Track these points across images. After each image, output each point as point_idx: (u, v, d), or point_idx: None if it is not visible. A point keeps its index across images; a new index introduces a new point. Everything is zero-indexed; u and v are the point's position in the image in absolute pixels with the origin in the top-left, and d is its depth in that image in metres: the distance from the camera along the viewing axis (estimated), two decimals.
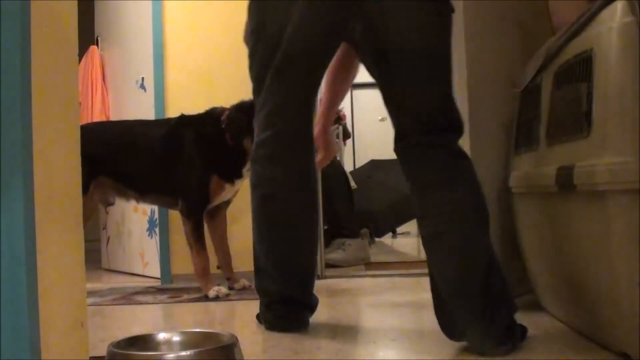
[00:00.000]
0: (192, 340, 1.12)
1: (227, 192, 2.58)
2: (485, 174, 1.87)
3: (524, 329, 1.50)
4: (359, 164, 6.42)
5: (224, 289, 2.45)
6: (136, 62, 3.36)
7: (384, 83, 1.59)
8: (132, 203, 2.93)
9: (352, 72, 1.96)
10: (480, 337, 1.41)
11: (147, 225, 3.24)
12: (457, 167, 1.51)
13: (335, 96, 1.98)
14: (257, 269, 1.77)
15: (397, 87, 1.55)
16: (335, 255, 3.38)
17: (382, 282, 2.78)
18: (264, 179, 1.70)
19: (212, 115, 2.57)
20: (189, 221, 2.52)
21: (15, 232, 0.78)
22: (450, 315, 1.47)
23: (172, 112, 2.93)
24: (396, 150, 1.57)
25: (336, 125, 4.10)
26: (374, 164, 4.95)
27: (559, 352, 1.42)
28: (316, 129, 1.94)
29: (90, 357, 0.97)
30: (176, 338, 1.14)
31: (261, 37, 1.65)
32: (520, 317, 1.52)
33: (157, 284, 3.00)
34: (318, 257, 2.78)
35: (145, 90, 3.26)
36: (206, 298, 2.42)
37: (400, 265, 3.30)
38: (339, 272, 3.13)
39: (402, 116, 1.56)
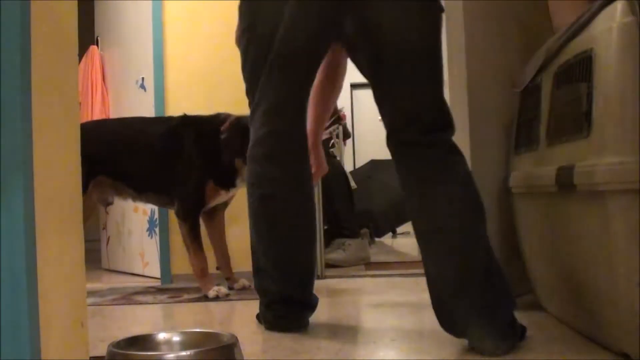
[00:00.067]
0: (192, 340, 1.12)
1: (222, 197, 2.59)
2: (485, 174, 1.87)
3: (523, 329, 1.50)
4: (359, 164, 6.42)
5: (223, 289, 2.45)
6: (136, 62, 3.36)
7: (377, 82, 1.59)
8: (132, 203, 2.93)
9: (337, 87, 1.98)
10: (481, 336, 1.41)
11: (147, 225, 3.24)
12: (452, 163, 1.52)
13: (323, 112, 1.98)
14: (257, 269, 1.77)
15: (390, 86, 1.55)
16: (335, 255, 3.38)
17: (382, 282, 2.78)
18: (262, 179, 1.70)
19: (215, 121, 2.56)
20: (185, 223, 2.52)
21: (15, 232, 0.78)
22: (450, 315, 1.47)
23: (172, 112, 2.94)
24: (390, 147, 1.57)
25: (336, 125, 4.10)
26: (374, 164, 4.95)
27: (559, 352, 1.42)
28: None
29: (90, 357, 0.97)
30: (176, 338, 1.14)
31: (253, 37, 1.66)
32: (520, 317, 1.51)
33: (157, 284, 3.00)
34: (318, 257, 2.79)
35: (145, 90, 3.26)
36: (206, 298, 2.42)
37: (400, 265, 3.30)
38: (339, 272, 3.13)
39: (395, 114, 1.56)
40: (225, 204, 2.70)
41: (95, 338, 1.64)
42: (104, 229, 3.75)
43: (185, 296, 2.50)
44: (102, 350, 1.09)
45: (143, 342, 1.12)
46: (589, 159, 1.28)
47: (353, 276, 2.99)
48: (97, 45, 3.75)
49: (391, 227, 5.05)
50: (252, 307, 1.93)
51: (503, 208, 1.89)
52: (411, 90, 1.54)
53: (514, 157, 1.86)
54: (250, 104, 1.73)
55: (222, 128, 2.49)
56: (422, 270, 1.55)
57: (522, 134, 1.80)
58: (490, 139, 1.94)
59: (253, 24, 1.66)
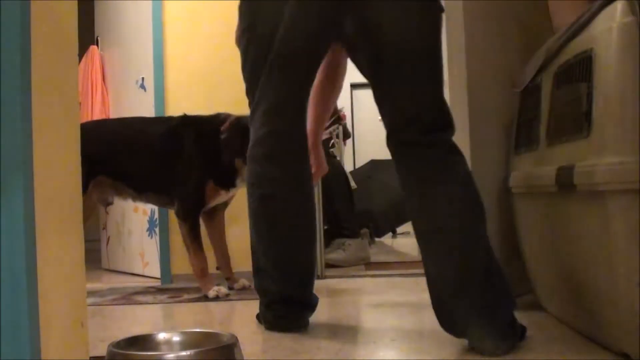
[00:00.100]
0: (192, 340, 1.12)
1: (222, 197, 2.59)
2: (485, 174, 1.87)
3: (523, 329, 1.50)
4: (359, 164, 6.42)
5: (223, 289, 2.45)
6: (136, 62, 3.36)
7: (377, 82, 1.59)
8: (132, 203, 2.93)
9: (337, 87, 1.98)
10: (481, 336, 1.41)
11: (147, 225, 3.24)
12: (452, 163, 1.52)
13: (323, 112, 1.98)
14: (257, 269, 1.77)
15: (390, 86, 1.55)
16: (335, 255, 3.38)
17: (382, 282, 2.78)
18: (262, 179, 1.70)
19: (215, 121, 2.56)
20: (185, 223, 2.52)
21: (15, 232, 0.78)
22: (450, 315, 1.48)
23: (172, 112, 2.94)
24: (390, 147, 1.58)
25: (336, 125, 4.10)
26: (374, 164, 4.95)
27: (559, 352, 1.42)
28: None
29: (90, 357, 0.97)
30: (176, 338, 1.14)
31: (252, 37, 1.66)
32: (520, 317, 1.51)
33: (157, 284, 3.00)
34: (318, 257, 2.79)
35: (145, 90, 3.26)
36: (206, 298, 2.42)
37: (400, 265, 3.30)
38: (339, 272, 3.13)
39: (395, 114, 1.56)
40: (225, 204, 2.70)
41: (95, 338, 1.64)
42: (104, 229, 3.75)
43: (185, 296, 2.50)
44: (102, 350, 1.09)
45: (143, 342, 1.12)
46: (589, 159, 1.28)
47: (353, 276, 2.99)
48: (97, 45, 3.75)
49: (391, 227, 5.05)
50: (252, 307, 1.93)
51: (503, 208, 1.89)
52: (411, 90, 1.54)
53: (514, 157, 1.86)
54: (250, 104, 1.73)
55: (222, 128, 2.49)
56: (422, 270, 1.55)
57: (522, 134, 1.80)
58: (490, 139, 1.94)
59: (253, 24, 1.66)
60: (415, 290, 2.41)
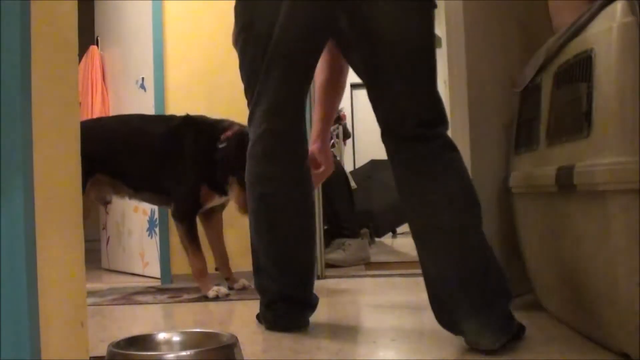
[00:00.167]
0: (192, 340, 1.12)
1: (218, 200, 2.58)
2: (485, 174, 1.87)
3: (521, 327, 1.50)
4: (359, 164, 6.42)
5: (223, 289, 2.45)
6: (136, 62, 3.36)
7: (372, 79, 1.59)
8: (132, 203, 2.93)
9: (341, 85, 1.99)
10: (477, 331, 1.41)
11: (147, 225, 3.24)
12: (449, 159, 1.52)
13: (329, 111, 1.99)
14: (257, 268, 1.77)
15: (385, 82, 1.55)
16: (335, 255, 3.38)
17: (382, 282, 2.78)
18: (262, 178, 1.70)
19: (218, 126, 2.54)
20: (181, 224, 2.51)
21: (15, 232, 0.78)
22: (448, 312, 1.48)
23: (172, 112, 2.93)
24: (386, 143, 1.58)
25: (336, 125, 4.11)
26: (374, 164, 4.95)
27: (559, 352, 1.42)
28: (314, 145, 1.96)
29: (90, 357, 0.97)
30: (176, 338, 1.14)
31: (249, 37, 1.66)
32: (520, 317, 1.52)
33: (157, 284, 3.00)
34: (318, 257, 2.79)
35: (145, 90, 3.26)
36: (206, 298, 2.41)
37: (400, 265, 3.30)
38: (339, 272, 3.13)
39: (390, 111, 1.57)
40: (222, 205, 2.69)
41: (95, 338, 1.64)
42: (104, 229, 3.75)
43: (185, 296, 2.50)
44: (102, 350, 1.09)
45: (143, 342, 1.12)
46: (589, 159, 1.28)
47: (353, 276, 2.99)
48: (97, 45, 3.75)
49: (391, 227, 5.05)
50: (252, 307, 1.93)
51: (503, 208, 1.89)
52: (406, 85, 1.54)
53: (514, 157, 1.86)
54: (248, 104, 1.73)
55: (223, 136, 2.48)
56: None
57: (522, 134, 1.80)
58: (490, 139, 1.94)
59: (249, 23, 1.66)
60: (415, 290, 2.41)
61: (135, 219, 3.34)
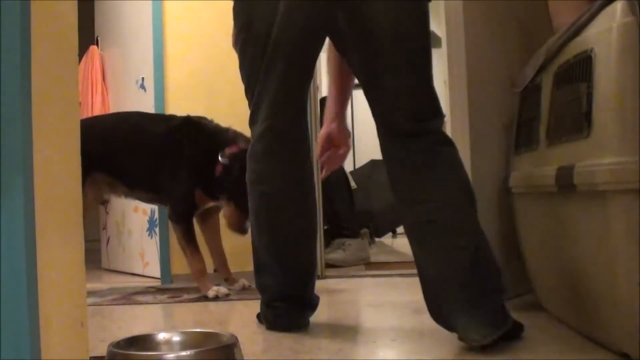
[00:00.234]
0: (192, 340, 1.12)
1: (213, 202, 2.58)
2: (485, 174, 1.87)
3: (519, 326, 1.50)
4: (359, 164, 6.42)
5: (223, 289, 2.45)
6: (136, 62, 3.36)
7: (368, 74, 1.60)
8: (132, 203, 2.93)
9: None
10: (468, 326, 1.41)
11: (147, 225, 3.24)
12: (444, 153, 1.53)
13: (345, 90, 1.96)
14: (258, 267, 1.77)
15: (382, 77, 1.56)
16: (335, 255, 3.38)
17: (382, 282, 2.78)
18: (262, 176, 1.71)
19: (221, 135, 2.52)
20: (179, 226, 2.51)
21: (15, 232, 0.78)
22: (440, 309, 1.50)
23: (172, 112, 2.93)
24: (381, 138, 1.59)
25: None
26: (374, 164, 4.94)
27: (559, 352, 1.42)
28: (332, 125, 1.92)
29: (90, 357, 0.97)
30: (176, 338, 1.14)
31: (248, 37, 1.66)
32: (520, 317, 1.52)
33: (157, 284, 3.00)
34: (318, 257, 2.79)
35: (145, 90, 3.26)
36: (206, 298, 2.41)
37: (400, 265, 3.30)
38: (339, 272, 3.13)
39: (387, 105, 1.57)
40: (219, 207, 2.69)
41: (95, 338, 1.64)
42: (104, 229, 3.75)
43: (185, 296, 2.50)
44: (102, 350, 1.09)
45: (143, 342, 1.12)
46: (589, 159, 1.28)
47: (353, 276, 2.99)
48: (97, 45, 3.74)
49: (391, 227, 5.05)
50: (252, 307, 1.93)
51: (503, 208, 1.89)
52: (403, 79, 1.55)
53: (514, 157, 1.86)
54: (249, 104, 1.73)
55: (227, 151, 2.45)
56: None
57: (522, 134, 1.80)
58: (490, 139, 1.94)
59: (248, 23, 1.66)
60: (415, 290, 2.39)
61: (135, 218, 3.34)
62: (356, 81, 2.03)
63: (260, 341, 1.70)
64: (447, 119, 1.94)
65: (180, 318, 2.20)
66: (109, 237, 3.68)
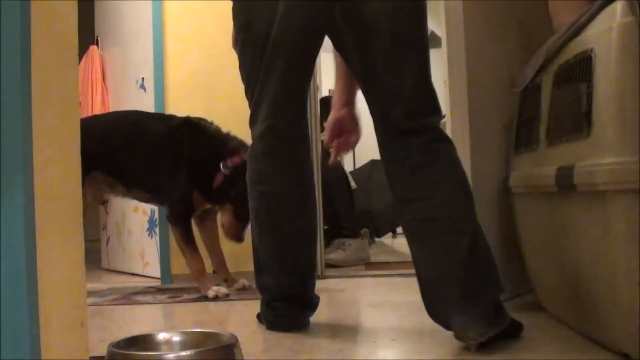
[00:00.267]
0: (192, 340, 1.12)
1: (209, 206, 2.58)
2: (485, 174, 1.87)
3: (518, 325, 1.50)
4: (359, 164, 6.42)
5: (223, 289, 2.45)
6: (136, 62, 3.36)
7: (368, 74, 1.60)
8: (132, 203, 2.93)
9: None
10: (463, 324, 1.41)
11: (147, 225, 3.24)
12: (444, 150, 1.54)
13: (353, 79, 1.96)
14: (258, 267, 1.77)
15: (380, 74, 1.56)
16: (335, 255, 3.38)
17: (382, 282, 2.78)
18: (262, 176, 1.71)
19: (223, 141, 2.52)
20: (177, 227, 2.51)
21: (15, 232, 0.78)
22: (434, 306, 1.50)
23: (172, 112, 2.93)
24: (379, 137, 1.59)
25: None
26: (374, 164, 4.94)
27: (559, 352, 1.42)
28: (342, 110, 1.90)
29: (90, 357, 0.97)
30: (176, 338, 1.14)
31: (248, 37, 1.66)
32: (521, 317, 1.52)
33: (157, 284, 3.00)
34: (318, 257, 2.79)
35: (145, 90, 3.26)
36: (206, 298, 2.41)
37: (400, 265, 3.30)
38: (339, 272, 3.13)
39: (384, 102, 1.57)
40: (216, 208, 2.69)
41: (95, 338, 1.64)
42: (104, 229, 3.75)
43: (185, 296, 2.50)
44: (102, 350, 1.09)
45: (143, 342, 1.12)
46: (589, 159, 1.28)
47: (353, 276, 2.99)
48: (97, 45, 3.75)
49: (391, 227, 5.05)
50: (252, 307, 1.93)
51: (503, 208, 1.89)
52: (401, 76, 1.55)
53: (514, 157, 1.86)
54: (249, 104, 1.73)
55: (229, 161, 2.44)
56: None
57: (522, 134, 1.80)
58: (490, 139, 1.94)
59: (247, 23, 1.66)
60: (415, 290, 2.39)
61: (135, 219, 3.34)
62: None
63: (260, 341, 1.70)
64: (447, 119, 1.94)
65: (180, 318, 2.20)
66: (109, 237, 3.68)
